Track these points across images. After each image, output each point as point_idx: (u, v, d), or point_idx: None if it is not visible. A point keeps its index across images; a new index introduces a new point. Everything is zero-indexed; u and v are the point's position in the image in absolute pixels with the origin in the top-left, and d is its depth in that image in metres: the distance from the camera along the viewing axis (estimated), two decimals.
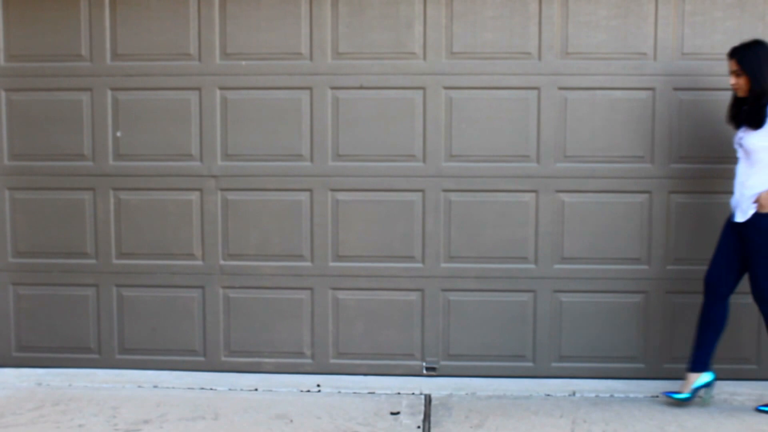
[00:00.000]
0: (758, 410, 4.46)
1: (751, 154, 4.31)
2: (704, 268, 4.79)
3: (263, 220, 4.98)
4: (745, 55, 4.32)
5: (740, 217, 4.36)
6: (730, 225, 4.46)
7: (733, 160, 4.72)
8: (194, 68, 4.94)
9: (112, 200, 5.04)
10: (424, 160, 4.87)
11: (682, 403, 4.51)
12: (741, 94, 4.36)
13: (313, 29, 4.88)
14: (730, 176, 4.76)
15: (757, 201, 4.30)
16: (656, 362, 4.95)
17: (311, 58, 4.89)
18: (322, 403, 4.61)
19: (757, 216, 4.30)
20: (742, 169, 4.39)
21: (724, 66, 4.69)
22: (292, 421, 4.36)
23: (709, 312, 4.49)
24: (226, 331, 5.08)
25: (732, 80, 4.36)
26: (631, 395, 4.71)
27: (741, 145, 4.36)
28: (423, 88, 4.85)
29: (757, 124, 4.28)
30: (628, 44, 4.79)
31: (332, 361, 5.05)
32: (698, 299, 4.85)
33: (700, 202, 4.85)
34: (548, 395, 4.73)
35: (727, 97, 4.64)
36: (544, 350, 4.98)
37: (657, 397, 4.67)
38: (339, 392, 4.79)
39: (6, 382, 4.92)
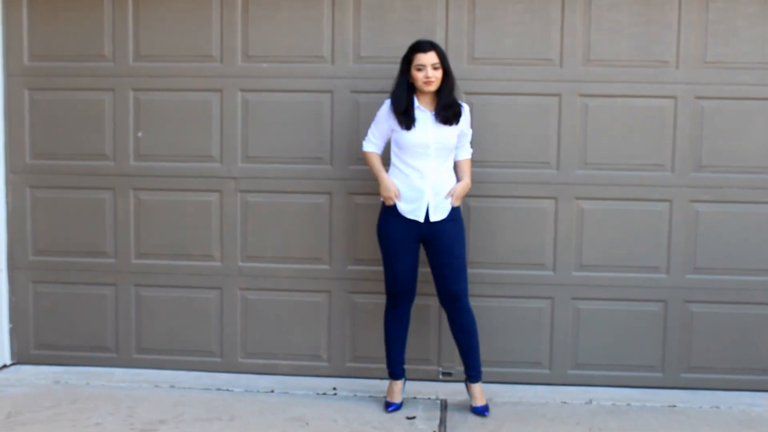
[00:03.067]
0: None
1: None
2: (725, 277, 4.80)
3: (282, 222, 4.99)
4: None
5: None
6: None
7: (757, 169, 4.72)
8: (216, 70, 4.96)
9: (132, 200, 5.06)
10: None
11: None
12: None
13: (335, 33, 4.89)
14: (752, 186, 4.76)
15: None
16: (674, 372, 4.92)
17: (333, 62, 4.90)
18: (337, 407, 4.62)
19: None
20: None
21: (748, 75, 4.69)
22: (308, 423, 4.37)
23: None
24: (243, 332, 5.09)
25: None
26: (648, 404, 4.69)
27: None
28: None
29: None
30: (651, 52, 4.78)
31: (348, 364, 5.06)
32: (716, 308, 4.85)
33: (721, 211, 4.82)
34: (564, 403, 4.71)
35: (751, 106, 4.63)
36: (560, 357, 4.96)
37: (674, 406, 4.65)
38: (355, 396, 4.79)
39: (24, 380, 4.95)
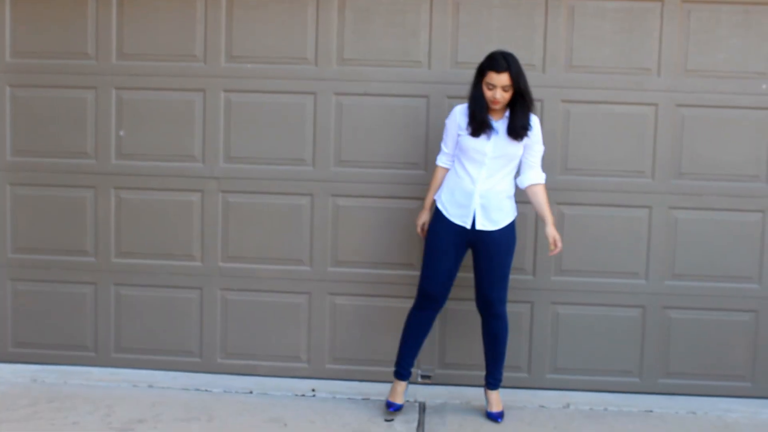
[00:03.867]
0: None
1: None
2: (703, 284, 4.84)
3: (264, 223, 4.99)
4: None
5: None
6: None
7: (736, 177, 4.77)
8: (199, 70, 4.95)
9: (113, 199, 5.04)
10: (425, 168, 4.87)
11: None
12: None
13: (319, 35, 4.89)
14: (731, 194, 4.80)
15: None
16: (651, 377, 4.95)
17: (316, 64, 4.91)
18: (316, 408, 4.62)
19: None
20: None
21: (728, 83, 4.73)
22: (286, 425, 4.37)
23: None
24: (222, 333, 5.08)
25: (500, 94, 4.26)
26: (625, 409, 4.72)
27: None
28: (426, 97, 4.86)
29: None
30: (633, 59, 4.81)
31: (328, 366, 5.06)
32: (694, 315, 4.89)
33: (700, 218, 4.86)
34: (542, 406, 4.74)
35: (731, 115, 4.68)
36: (539, 361, 4.99)
37: (651, 411, 4.68)
38: (334, 397, 4.79)
39: (1, 378, 4.92)
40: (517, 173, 4.48)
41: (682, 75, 4.81)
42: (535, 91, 4.79)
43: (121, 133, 5.01)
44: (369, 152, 4.90)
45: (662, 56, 4.80)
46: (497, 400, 4.57)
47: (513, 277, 4.89)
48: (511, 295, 4.90)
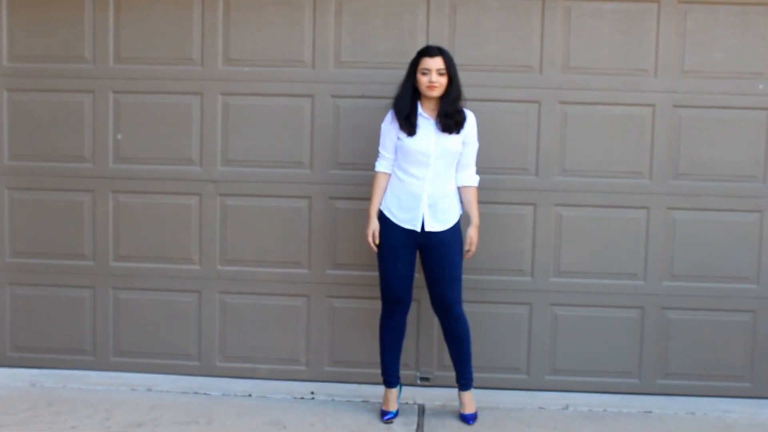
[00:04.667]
0: None
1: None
2: (702, 285, 4.84)
3: (261, 226, 4.99)
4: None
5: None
6: None
7: (733, 177, 4.77)
8: (197, 73, 4.95)
9: (111, 203, 5.04)
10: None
11: None
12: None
13: (316, 37, 4.89)
14: (728, 194, 4.80)
15: None
16: (650, 378, 4.95)
17: (313, 66, 4.91)
18: (315, 411, 4.62)
19: None
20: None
21: (725, 84, 4.73)
22: (285, 427, 4.37)
23: None
24: (221, 336, 5.08)
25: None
26: (624, 410, 4.72)
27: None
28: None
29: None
30: (630, 60, 4.81)
31: (327, 368, 5.06)
32: (693, 315, 4.89)
33: (698, 218, 4.86)
34: (541, 408, 4.73)
35: (729, 115, 4.69)
36: (538, 363, 4.98)
37: (650, 412, 4.68)
38: (333, 400, 4.79)
39: (0, 382, 4.92)
40: None
41: (679, 76, 4.81)
42: (533, 93, 4.82)
43: (119, 136, 5.01)
44: (367, 155, 4.88)
45: (659, 57, 4.80)
46: (470, 400, 4.55)
47: (511, 279, 4.93)
48: (509, 296, 4.93)
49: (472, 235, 4.44)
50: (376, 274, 4.89)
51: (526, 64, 4.83)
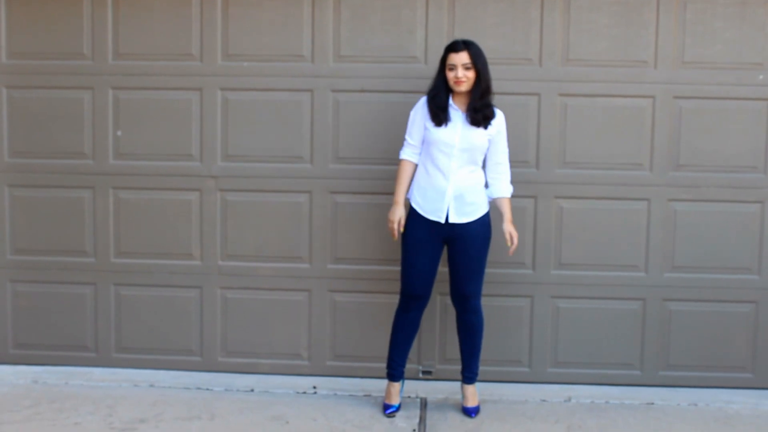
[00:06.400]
0: None
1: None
2: (703, 276, 4.84)
3: (262, 221, 4.99)
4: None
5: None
6: None
7: (734, 168, 4.77)
8: (196, 69, 4.95)
9: (111, 199, 5.04)
10: None
11: None
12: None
13: (315, 32, 4.89)
14: (729, 185, 4.80)
15: None
16: (652, 369, 4.95)
17: (313, 61, 4.90)
18: (318, 405, 4.62)
19: None
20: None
21: (725, 75, 4.73)
22: (288, 422, 4.37)
23: None
24: (223, 331, 5.08)
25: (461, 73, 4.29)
26: (627, 402, 4.72)
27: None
28: (424, 92, 4.84)
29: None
30: (629, 52, 4.80)
31: (329, 363, 5.06)
32: (694, 306, 4.89)
33: (699, 210, 4.86)
34: (544, 400, 4.74)
35: (729, 106, 4.68)
36: (540, 356, 4.99)
37: (652, 404, 4.69)
38: (335, 394, 4.79)
39: (2, 380, 4.92)
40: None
41: (679, 67, 4.81)
42: (533, 86, 4.81)
43: (119, 133, 5.01)
44: (367, 149, 4.89)
45: (659, 48, 4.80)
46: (473, 394, 4.56)
47: (513, 271, 4.92)
48: (511, 289, 4.92)
49: (510, 230, 4.44)
50: (377, 267, 4.92)
51: (525, 56, 4.83)
